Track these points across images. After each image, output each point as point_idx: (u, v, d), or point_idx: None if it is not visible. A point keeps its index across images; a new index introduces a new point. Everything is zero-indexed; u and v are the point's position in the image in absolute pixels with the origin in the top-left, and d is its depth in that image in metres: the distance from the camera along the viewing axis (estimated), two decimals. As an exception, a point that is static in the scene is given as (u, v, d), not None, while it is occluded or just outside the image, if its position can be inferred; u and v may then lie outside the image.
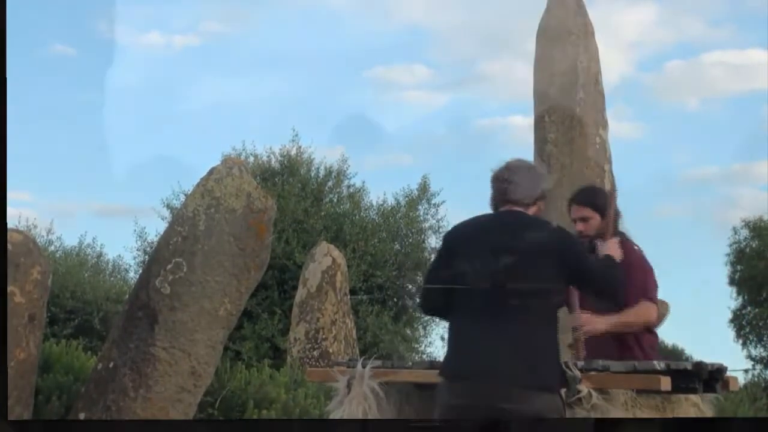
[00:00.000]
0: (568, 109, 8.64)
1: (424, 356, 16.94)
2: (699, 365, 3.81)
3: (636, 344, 4.42)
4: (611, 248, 4.18)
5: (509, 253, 3.75)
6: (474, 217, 4.03)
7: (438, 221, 17.46)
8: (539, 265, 3.74)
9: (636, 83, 31.50)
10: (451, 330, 3.90)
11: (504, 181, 3.93)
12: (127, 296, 10.44)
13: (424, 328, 17.63)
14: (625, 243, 4.40)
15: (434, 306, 4.04)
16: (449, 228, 4.27)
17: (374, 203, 18.21)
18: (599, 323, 4.31)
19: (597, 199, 4.60)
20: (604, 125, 8.80)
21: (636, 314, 4.36)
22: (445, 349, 3.93)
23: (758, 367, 22.36)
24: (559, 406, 3.65)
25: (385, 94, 32.95)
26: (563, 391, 3.68)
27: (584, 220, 4.54)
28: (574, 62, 8.68)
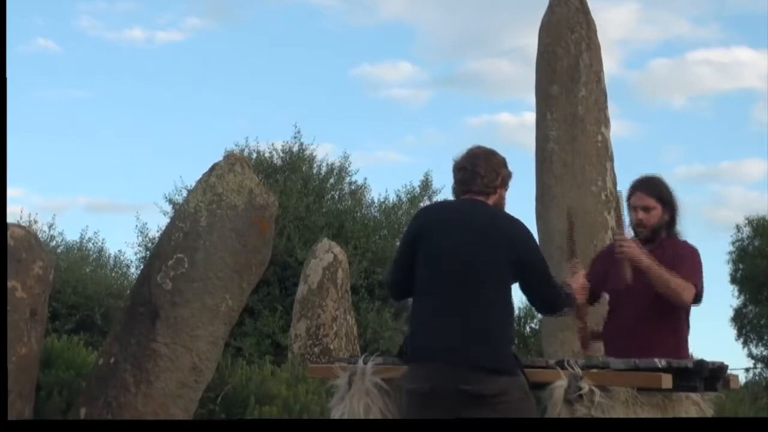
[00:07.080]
0: (570, 106, 8.63)
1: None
2: (700, 363, 3.81)
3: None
4: (574, 279, 4.23)
5: (466, 242, 3.79)
6: (438, 202, 4.07)
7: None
8: (495, 254, 3.78)
9: (621, 81, 31.54)
10: (412, 314, 3.94)
11: (464, 169, 3.95)
12: (128, 292, 10.45)
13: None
14: (681, 241, 4.49)
15: (398, 290, 4.06)
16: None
17: (376, 200, 18.21)
18: (642, 256, 4.33)
19: (663, 191, 4.54)
20: (606, 123, 8.78)
21: (677, 283, 4.33)
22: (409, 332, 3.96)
23: (759, 365, 22.35)
24: (521, 384, 3.69)
25: (372, 91, 32.97)
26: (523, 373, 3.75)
27: (646, 209, 4.49)
28: (576, 59, 8.66)
